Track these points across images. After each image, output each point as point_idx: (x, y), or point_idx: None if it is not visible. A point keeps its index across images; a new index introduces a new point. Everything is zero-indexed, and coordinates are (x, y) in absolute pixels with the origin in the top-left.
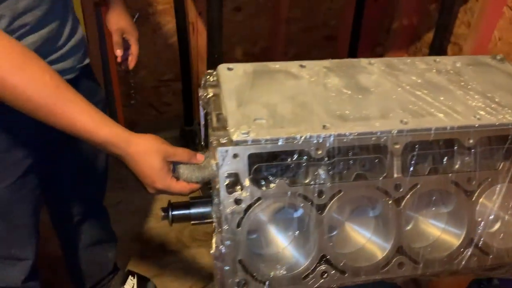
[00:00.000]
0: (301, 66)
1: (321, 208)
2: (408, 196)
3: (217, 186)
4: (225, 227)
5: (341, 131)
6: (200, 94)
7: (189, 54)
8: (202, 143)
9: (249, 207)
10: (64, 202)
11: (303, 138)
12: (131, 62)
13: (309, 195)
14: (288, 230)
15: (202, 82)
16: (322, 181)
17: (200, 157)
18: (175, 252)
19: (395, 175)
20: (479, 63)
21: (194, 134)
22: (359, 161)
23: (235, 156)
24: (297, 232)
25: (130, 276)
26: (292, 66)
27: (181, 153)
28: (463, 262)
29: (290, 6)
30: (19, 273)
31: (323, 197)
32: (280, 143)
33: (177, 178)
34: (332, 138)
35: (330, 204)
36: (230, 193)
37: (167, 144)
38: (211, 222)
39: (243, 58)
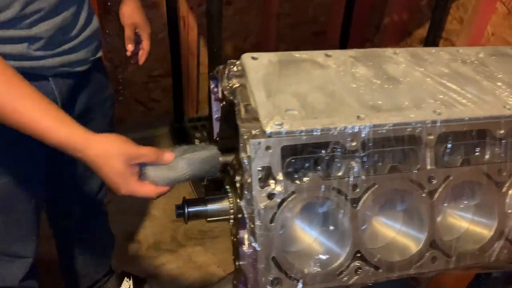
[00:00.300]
0: (327, 55)
1: (355, 202)
2: (441, 188)
3: (248, 180)
4: (258, 223)
5: (376, 122)
6: (224, 84)
7: (179, 49)
8: (216, 137)
9: (282, 201)
10: (64, 200)
11: (338, 129)
12: (142, 57)
13: (343, 189)
14: (315, 224)
15: (226, 72)
16: (356, 174)
17: (168, 156)
18: (171, 251)
19: (428, 167)
20: (501, 53)
21: (184, 131)
22: (392, 153)
23: (267, 148)
24: (330, 227)
25: (125, 277)
26: (318, 55)
27: (146, 153)
28: (494, 255)
29: (280, 1)
30: (18, 271)
31: (357, 190)
32: (315, 134)
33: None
34: (367, 129)
35: (364, 198)
36: (262, 187)
37: (130, 144)
38: (227, 219)
39: (233, 54)
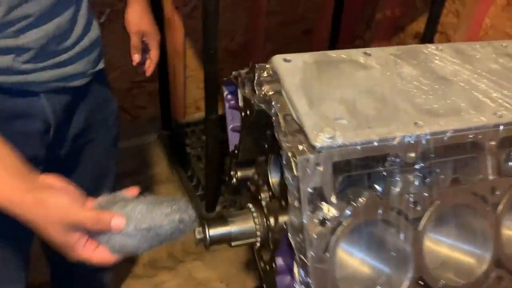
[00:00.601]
0: (366, 53)
1: (415, 222)
2: (505, 200)
3: (296, 204)
4: (311, 254)
5: (436, 129)
6: (249, 92)
7: (165, 52)
8: (233, 149)
9: (335, 226)
10: None
11: (397, 139)
12: (149, 68)
13: (403, 208)
14: (367, 248)
15: (255, 77)
16: (416, 190)
17: (118, 224)
18: (168, 268)
19: (490, 177)
20: None
21: (174, 138)
22: (451, 163)
23: (317, 165)
24: (390, 252)
25: None
26: (356, 54)
27: (88, 222)
28: None
29: None
30: None
31: (418, 209)
32: (371, 146)
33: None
34: (427, 137)
35: (426, 217)
36: (312, 212)
37: (74, 207)
38: (254, 242)
39: (221, 55)
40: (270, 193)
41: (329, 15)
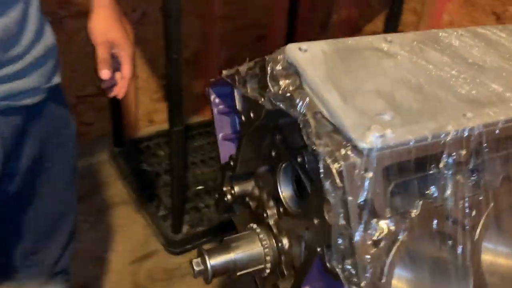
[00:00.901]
0: (387, 40)
1: (472, 231)
2: None
3: (340, 222)
4: (365, 283)
5: (488, 120)
6: (273, 88)
7: None
8: (227, 161)
9: (389, 245)
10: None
11: (451, 134)
12: (121, 88)
13: (460, 216)
14: (420, 267)
15: (269, 70)
16: (470, 193)
17: None
18: None
19: None
20: None
21: (127, 156)
22: (500, 159)
23: (366, 171)
24: (449, 271)
25: None
26: (378, 41)
27: None
28: None
29: (222, 3)
30: None
31: (474, 215)
32: (424, 144)
33: None
34: (480, 130)
35: (481, 224)
36: (363, 230)
37: None
38: (262, 269)
39: None
40: (281, 209)
41: (283, 19)
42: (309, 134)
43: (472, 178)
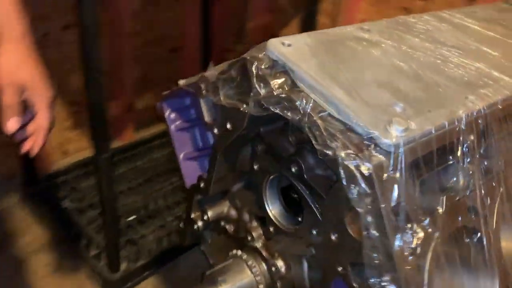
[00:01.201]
0: (364, 29)
1: (490, 220)
2: None
3: (375, 233)
4: None
5: (489, 101)
6: (262, 90)
7: None
8: (203, 184)
9: (426, 250)
10: None
11: (464, 119)
12: (37, 142)
13: (479, 206)
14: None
15: (254, 70)
16: (484, 180)
17: None
18: None
19: None
20: (502, 9)
21: (42, 195)
22: (500, 142)
23: (394, 171)
24: (476, 264)
25: None
26: (355, 31)
27: None
28: None
29: (131, 18)
30: None
31: (489, 203)
32: (443, 132)
33: None
34: (486, 111)
35: (496, 211)
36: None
37: None
38: None
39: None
40: (271, 228)
41: (195, 29)
42: (319, 136)
43: (484, 164)
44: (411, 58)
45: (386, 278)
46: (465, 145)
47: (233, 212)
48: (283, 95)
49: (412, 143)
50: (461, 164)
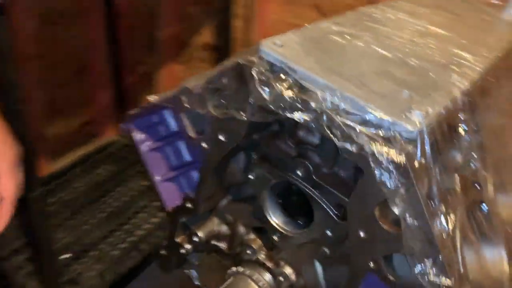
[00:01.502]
0: (337, 23)
1: (488, 189)
2: None
3: (410, 224)
4: (453, 279)
5: (471, 77)
6: (269, 96)
7: None
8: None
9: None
10: None
11: (459, 98)
12: (2, 218)
13: (481, 179)
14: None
15: (255, 75)
16: (478, 153)
17: None
18: None
19: None
20: None
21: None
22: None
23: (422, 157)
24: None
25: None
26: (332, 26)
27: None
28: None
29: (33, 40)
30: None
31: (483, 174)
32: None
33: None
34: (471, 88)
35: (489, 180)
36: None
37: None
38: None
39: None
40: (275, 236)
41: (102, 46)
42: (339, 134)
43: (478, 138)
44: (390, 47)
45: (428, 263)
46: (463, 123)
47: (224, 228)
48: (295, 97)
49: (430, 127)
50: (465, 141)
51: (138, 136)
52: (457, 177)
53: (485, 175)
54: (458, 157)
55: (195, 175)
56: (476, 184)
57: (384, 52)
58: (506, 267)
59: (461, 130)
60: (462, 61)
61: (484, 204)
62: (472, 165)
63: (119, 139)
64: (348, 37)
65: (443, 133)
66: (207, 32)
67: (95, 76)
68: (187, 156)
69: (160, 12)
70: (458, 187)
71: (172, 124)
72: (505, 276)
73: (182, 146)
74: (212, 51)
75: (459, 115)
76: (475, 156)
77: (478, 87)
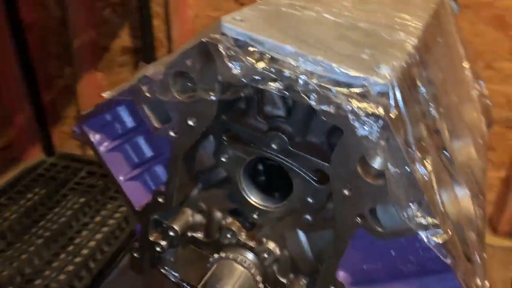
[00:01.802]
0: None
1: (447, 137)
2: None
3: (394, 172)
4: (439, 218)
5: (417, 35)
6: (242, 71)
7: None
8: (162, 198)
9: None
10: None
11: (415, 53)
12: None
13: (439, 126)
14: None
15: (222, 51)
16: (433, 103)
17: None
18: None
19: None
20: None
21: None
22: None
23: (395, 108)
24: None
25: None
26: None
27: None
28: None
29: None
30: None
31: (439, 119)
32: (410, 66)
33: None
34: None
35: (444, 126)
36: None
37: None
38: None
39: None
40: (254, 214)
41: (13, 63)
42: (315, 97)
43: (432, 89)
44: (340, 14)
45: (414, 207)
46: (419, 76)
47: (199, 218)
48: (268, 67)
49: (398, 79)
50: (423, 92)
51: (94, 137)
52: (422, 126)
53: (442, 122)
54: (419, 108)
55: (159, 169)
56: (436, 131)
57: (336, 19)
58: (471, 205)
59: (418, 83)
60: (404, 21)
61: (446, 149)
62: (431, 114)
63: (45, 159)
64: (299, 8)
65: (408, 85)
66: (125, 36)
67: (9, 98)
68: (148, 152)
69: (72, 19)
70: (425, 135)
71: (128, 120)
72: (472, 213)
73: (142, 141)
74: (132, 55)
75: (414, 69)
76: (432, 105)
77: (423, 43)
